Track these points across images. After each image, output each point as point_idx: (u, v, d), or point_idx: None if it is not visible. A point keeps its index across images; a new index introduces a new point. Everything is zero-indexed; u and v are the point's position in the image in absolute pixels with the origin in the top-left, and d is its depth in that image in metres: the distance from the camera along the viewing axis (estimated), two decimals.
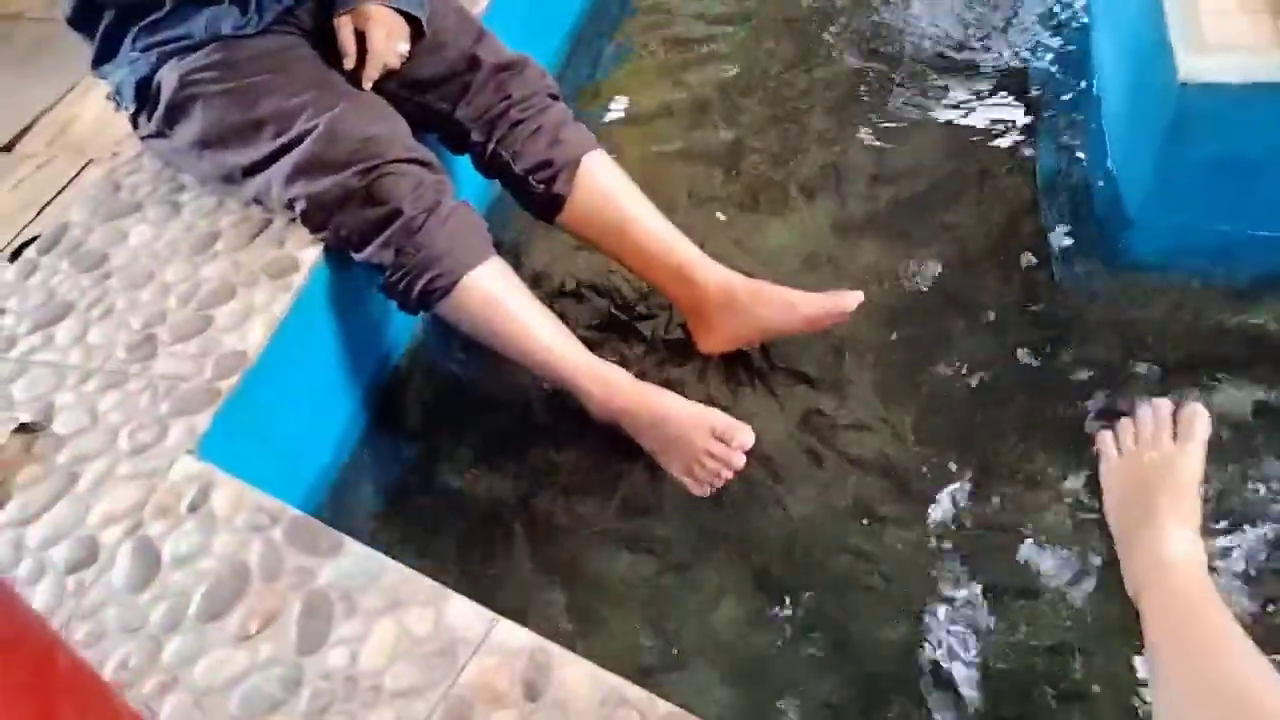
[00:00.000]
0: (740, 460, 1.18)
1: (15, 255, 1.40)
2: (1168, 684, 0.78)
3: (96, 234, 1.33)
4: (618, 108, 1.96)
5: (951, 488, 1.23)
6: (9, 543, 1.00)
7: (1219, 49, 1.31)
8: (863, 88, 1.89)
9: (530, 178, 1.35)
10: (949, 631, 1.10)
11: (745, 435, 1.18)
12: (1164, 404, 1.07)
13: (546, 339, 1.24)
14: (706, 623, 1.15)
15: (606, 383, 1.24)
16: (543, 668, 0.84)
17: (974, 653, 1.08)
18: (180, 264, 1.26)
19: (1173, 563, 0.90)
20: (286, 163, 1.21)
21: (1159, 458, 1.02)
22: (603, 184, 1.36)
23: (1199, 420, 1.03)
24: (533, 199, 1.38)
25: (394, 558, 0.95)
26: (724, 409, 1.23)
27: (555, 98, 1.40)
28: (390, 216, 1.19)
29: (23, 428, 1.09)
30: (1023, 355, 1.37)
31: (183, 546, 0.97)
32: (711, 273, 1.34)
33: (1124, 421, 1.09)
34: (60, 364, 1.17)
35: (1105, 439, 1.10)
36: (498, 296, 1.23)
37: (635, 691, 0.82)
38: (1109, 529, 1.03)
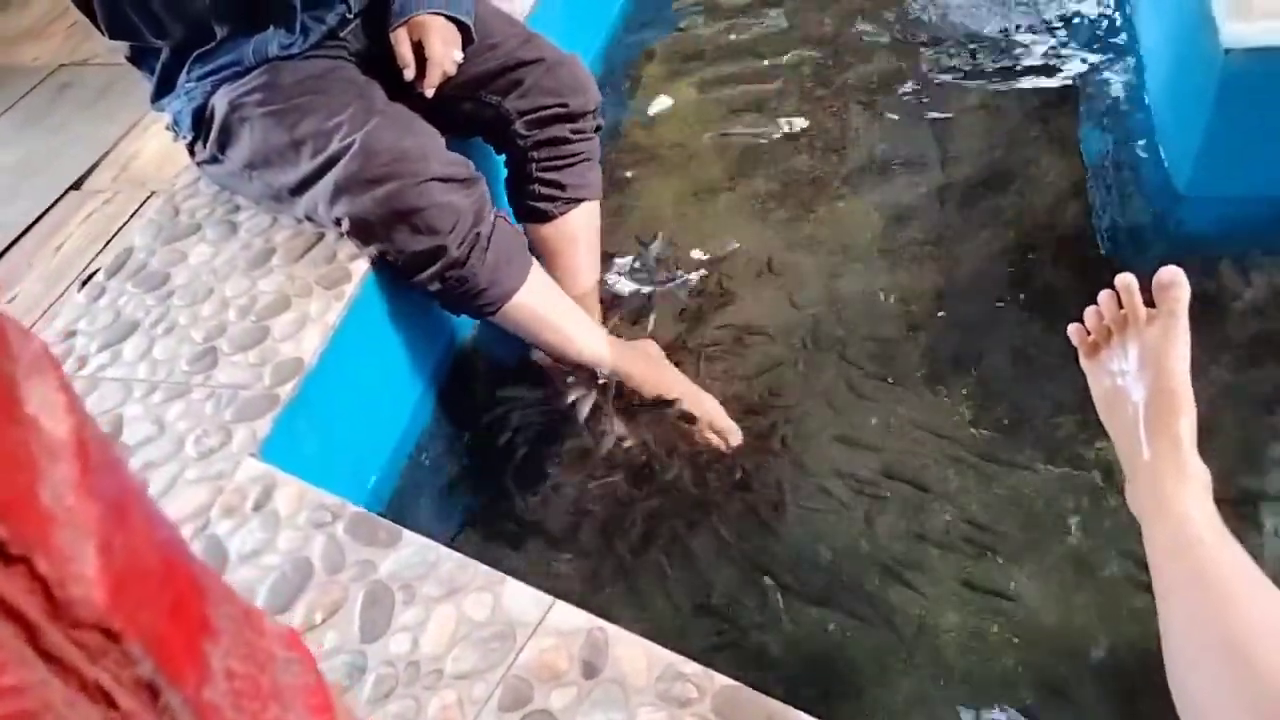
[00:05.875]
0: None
1: (84, 285, 1.46)
2: (1171, 630, 0.71)
3: (158, 256, 1.39)
4: (657, 100, 1.99)
5: (1005, 467, 1.22)
6: None
7: (1261, 14, 1.29)
8: (902, 76, 1.89)
9: (538, 187, 1.45)
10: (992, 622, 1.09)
11: (734, 439, 1.33)
12: (1128, 279, 0.90)
13: (578, 344, 1.37)
14: (763, 604, 1.15)
15: (630, 363, 1.40)
16: (599, 646, 0.85)
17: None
18: (238, 279, 1.31)
19: (1171, 492, 0.77)
20: (328, 181, 1.24)
21: (1138, 348, 0.86)
22: (579, 228, 1.49)
23: (1175, 288, 0.83)
24: (524, 200, 1.48)
25: (457, 547, 0.97)
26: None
27: (599, 128, 1.48)
28: (434, 253, 1.23)
29: None
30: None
31: (248, 544, 1.00)
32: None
33: (1091, 310, 0.94)
34: (128, 379, 1.22)
35: (1075, 333, 0.96)
36: (538, 312, 1.34)
37: (691, 666, 0.82)
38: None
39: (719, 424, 1.34)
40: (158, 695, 0.23)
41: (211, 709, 0.25)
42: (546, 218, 1.47)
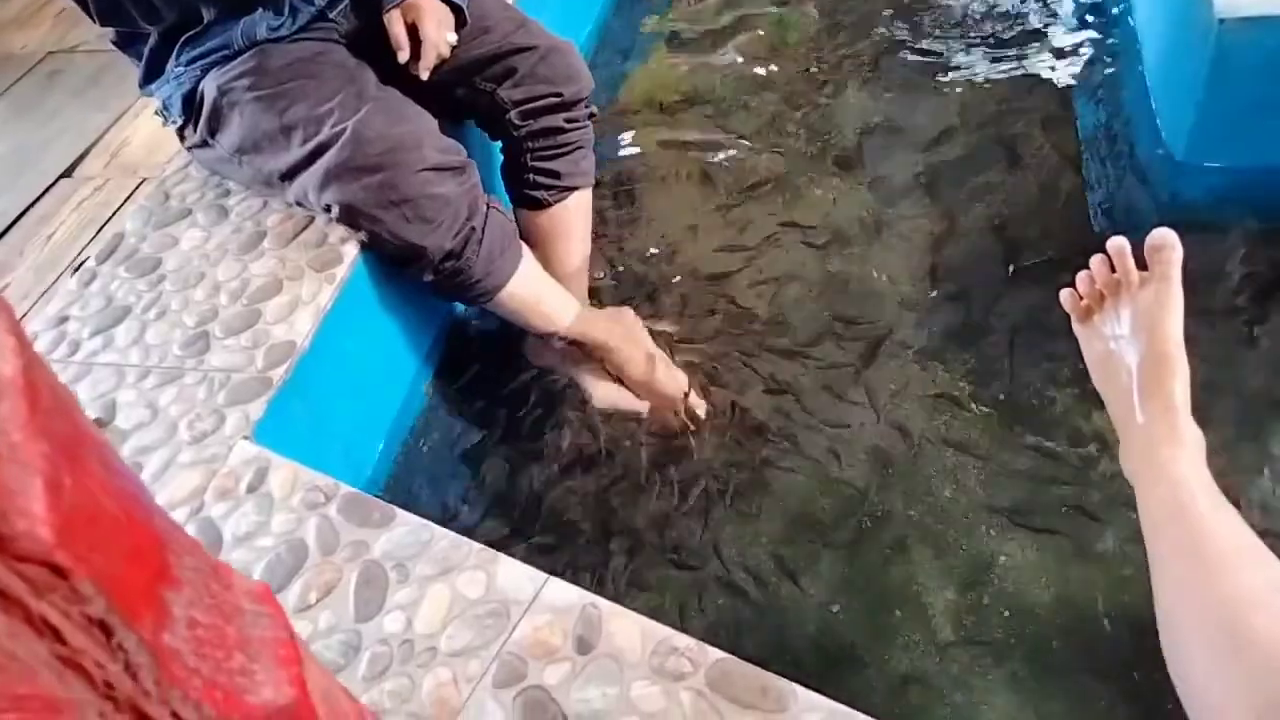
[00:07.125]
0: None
1: (75, 272, 1.46)
2: (1165, 596, 0.71)
3: (149, 241, 1.38)
4: (650, 78, 1.98)
5: (1000, 442, 1.22)
6: None
7: None
8: (896, 53, 1.88)
9: (533, 175, 1.45)
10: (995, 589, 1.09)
11: (703, 412, 1.34)
12: (1120, 242, 0.88)
13: (563, 322, 1.38)
14: (759, 573, 1.15)
15: (608, 334, 1.40)
16: (593, 622, 0.85)
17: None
18: (229, 263, 1.30)
19: (1165, 456, 0.76)
20: (319, 168, 1.23)
21: (1131, 312, 0.85)
22: (571, 216, 1.49)
23: (1168, 249, 0.82)
24: (520, 188, 1.48)
25: (451, 527, 0.97)
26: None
27: (593, 115, 1.48)
28: (426, 244, 1.23)
29: None
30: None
31: (243, 526, 1.00)
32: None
33: (1083, 275, 0.92)
34: (120, 364, 1.21)
35: (1068, 298, 0.94)
36: (527, 300, 1.35)
37: (685, 640, 0.82)
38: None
39: (693, 400, 1.35)
40: (111, 634, 0.23)
41: (170, 652, 0.25)
42: (541, 205, 1.47)
